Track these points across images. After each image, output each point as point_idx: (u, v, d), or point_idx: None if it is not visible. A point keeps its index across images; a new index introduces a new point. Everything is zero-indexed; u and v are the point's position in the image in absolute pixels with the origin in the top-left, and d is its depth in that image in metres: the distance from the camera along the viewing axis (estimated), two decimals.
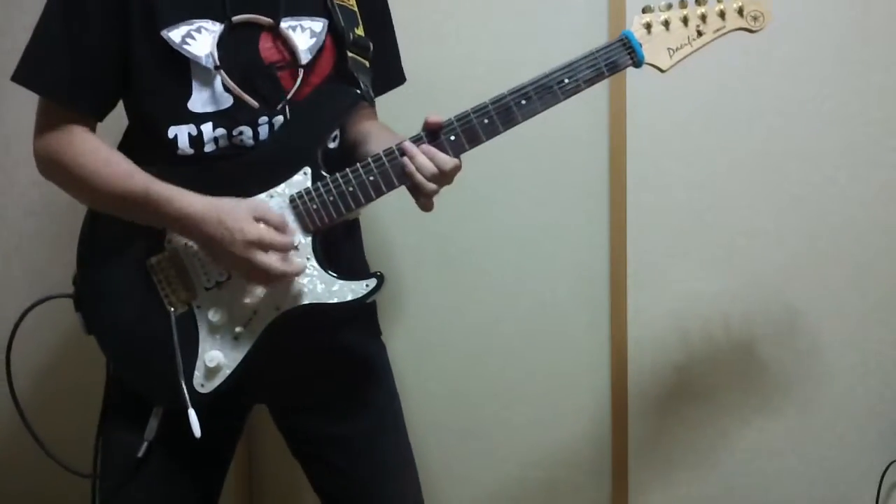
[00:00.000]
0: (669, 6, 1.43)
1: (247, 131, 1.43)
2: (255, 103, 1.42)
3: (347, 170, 1.41)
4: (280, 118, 1.44)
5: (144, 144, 1.45)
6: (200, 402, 1.43)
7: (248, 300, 1.43)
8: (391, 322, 2.17)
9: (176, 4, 1.40)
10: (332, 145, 1.52)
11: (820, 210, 2.06)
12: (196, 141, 1.41)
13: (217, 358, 1.42)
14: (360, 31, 1.52)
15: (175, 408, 1.42)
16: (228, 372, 1.43)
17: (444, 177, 1.40)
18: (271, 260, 1.36)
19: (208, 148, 1.42)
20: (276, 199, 1.41)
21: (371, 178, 1.40)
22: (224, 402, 1.46)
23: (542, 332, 2.20)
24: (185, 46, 1.39)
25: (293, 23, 1.46)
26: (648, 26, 1.43)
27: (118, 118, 1.50)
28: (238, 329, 1.43)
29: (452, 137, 1.40)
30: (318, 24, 1.48)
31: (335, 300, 1.42)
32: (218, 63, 1.40)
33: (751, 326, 2.11)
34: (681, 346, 2.14)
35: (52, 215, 2.24)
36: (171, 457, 1.49)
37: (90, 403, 1.58)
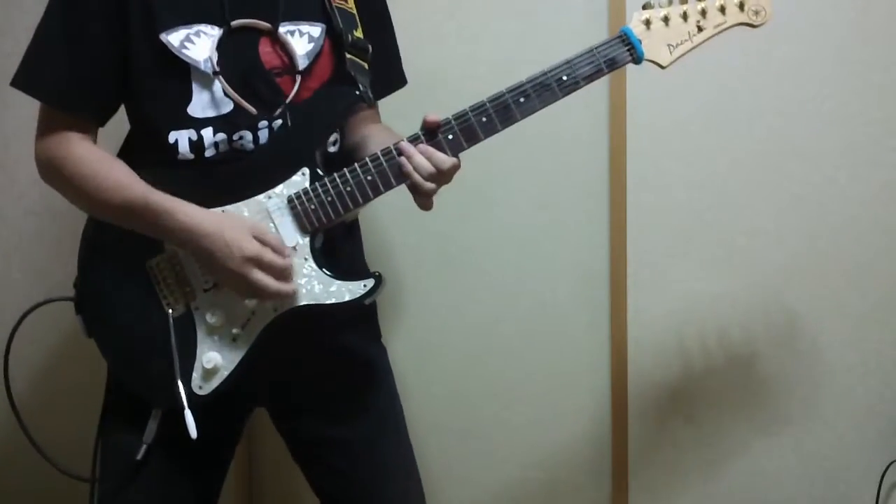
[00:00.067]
0: (669, 2, 1.42)
1: (247, 135, 1.43)
2: (253, 110, 1.42)
3: (345, 170, 1.41)
4: (280, 122, 1.44)
5: (145, 148, 1.45)
6: (198, 403, 1.43)
7: (245, 302, 1.43)
8: (391, 322, 2.17)
9: (175, 8, 1.40)
10: (332, 149, 1.52)
11: (820, 210, 2.05)
12: (196, 146, 1.42)
13: (215, 359, 1.42)
14: (358, 33, 1.52)
15: (173, 409, 1.42)
16: (226, 373, 1.43)
17: (442, 176, 1.40)
18: (266, 279, 1.37)
19: (209, 152, 1.42)
20: (275, 200, 1.42)
21: (369, 177, 1.40)
22: (224, 406, 1.46)
23: (542, 332, 2.20)
24: (184, 51, 1.39)
25: (291, 27, 1.46)
26: (648, 22, 1.42)
27: (119, 122, 1.50)
28: (235, 330, 1.43)
29: (450, 136, 1.40)
30: (317, 29, 1.48)
31: (333, 301, 1.42)
32: (217, 68, 1.40)
33: (751, 326, 2.11)
34: (681, 346, 2.14)
35: (52, 215, 2.25)
36: (170, 459, 1.49)
37: (90, 406, 1.58)
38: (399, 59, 1.68)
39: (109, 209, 1.41)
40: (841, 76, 2.02)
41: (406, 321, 2.22)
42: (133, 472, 1.48)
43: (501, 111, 1.39)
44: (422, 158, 1.38)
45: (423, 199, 1.42)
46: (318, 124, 1.45)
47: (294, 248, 1.42)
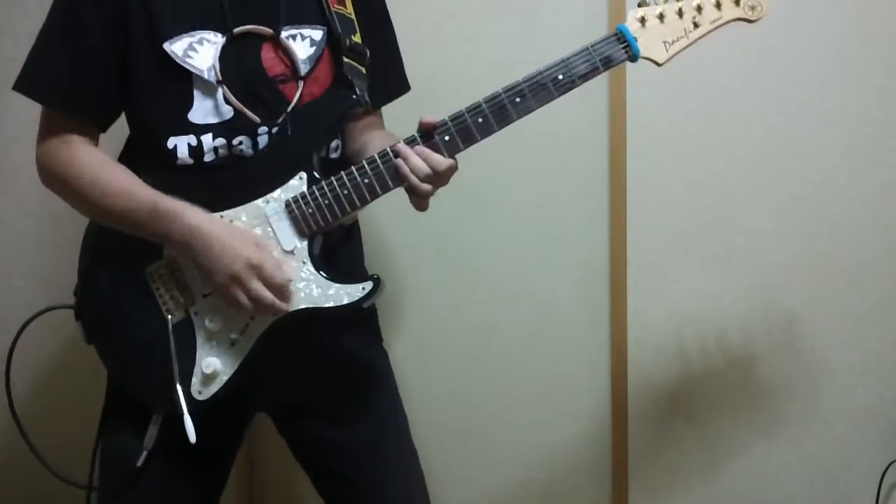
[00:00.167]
0: None
1: (246, 141, 1.44)
2: (256, 119, 1.42)
3: (342, 173, 1.41)
4: (279, 128, 1.44)
5: (144, 153, 1.45)
6: (198, 408, 1.43)
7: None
8: (391, 323, 2.17)
9: (177, 16, 1.40)
10: (334, 155, 1.53)
11: (820, 210, 2.05)
12: (196, 151, 1.42)
13: (214, 364, 1.42)
14: (356, 38, 1.52)
15: (173, 415, 1.42)
16: (225, 378, 1.43)
17: (438, 177, 1.40)
18: (264, 290, 1.37)
19: (208, 158, 1.43)
20: (273, 204, 1.42)
21: (366, 180, 1.41)
22: (224, 410, 1.46)
23: (542, 332, 2.20)
24: (188, 60, 1.40)
25: (293, 31, 1.47)
26: (643, 20, 1.41)
27: (120, 128, 1.51)
28: (234, 335, 1.43)
29: (447, 137, 1.40)
30: (318, 33, 1.49)
31: (331, 304, 1.42)
32: (220, 77, 1.40)
33: (751, 327, 2.10)
34: (681, 346, 2.14)
35: (53, 219, 2.25)
36: (170, 464, 1.50)
37: (90, 412, 1.58)
38: (401, 64, 1.67)
39: (112, 213, 1.41)
40: (841, 76, 2.01)
41: (406, 322, 2.23)
42: (133, 477, 1.48)
43: (497, 111, 1.39)
44: (418, 160, 1.38)
45: (420, 201, 1.42)
46: (316, 129, 1.45)
47: (292, 251, 1.42)
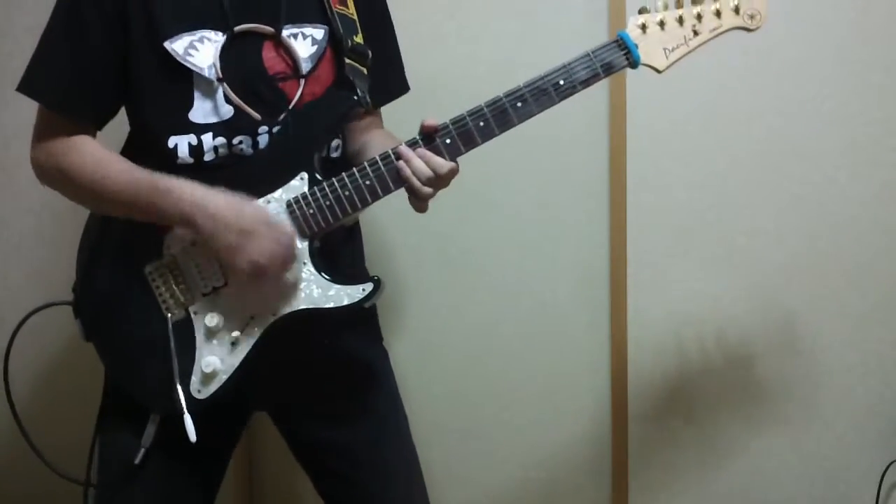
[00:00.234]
0: (665, 6, 1.42)
1: (246, 140, 1.43)
2: (257, 116, 1.42)
3: (344, 174, 1.41)
4: (279, 127, 1.44)
5: (144, 152, 1.45)
6: (197, 407, 1.43)
7: (244, 305, 1.43)
8: (392, 323, 2.17)
9: (177, 15, 1.40)
10: (335, 155, 1.52)
11: (820, 210, 2.05)
12: (196, 150, 1.42)
13: (213, 364, 1.42)
14: (358, 39, 1.52)
15: (172, 414, 1.42)
16: (225, 377, 1.43)
17: (439, 180, 1.40)
18: (274, 243, 1.36)
19: (208, 157, 1.42)
20: (274, 205, 1.42)
21: (367, 182, 1.41)
22: (224, 409, 1.46)
23: (542, 332, 2.20)
24: (188, 58, 1.39)
25: (294, 30, 1.46)
26: (644, 27, 1.42)
27: (119, 124, 1.51)
28: (235, 334, 1.43)
29: (448, 141, 1.40)
30: (320, 32, 1.49)
31: (331, 305, 1.42)
32: (220, 75, 1.40)
33: (751, 326, 2.11)
34: (681, 346, 2.14)
35: (52, 216, 2.25)
36: (168, 461, 1.50)
37: (89, 409, 1.58)
38: (401, 64, 1.67)
39: (114, 193, 1.40)
40: (841, 76, 2.01)
41: (406, 321, 2.23)
42: (131, 475, 1.48)
43: (499, 116, 1.39)
44: (420, 163, 1.38)
45: (420, 203, 1.42)
46: (317, 129, 1.45)
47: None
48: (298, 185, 1.42)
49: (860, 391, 2.09)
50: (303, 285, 1.42)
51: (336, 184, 1.41)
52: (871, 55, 2.00)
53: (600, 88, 2.06)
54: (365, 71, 1.51)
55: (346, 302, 1.42)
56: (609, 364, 2.17)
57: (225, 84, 1.41)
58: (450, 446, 2.25)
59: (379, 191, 1.41)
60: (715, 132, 2.07)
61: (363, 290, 1.42)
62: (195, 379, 1.43)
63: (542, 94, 1.40)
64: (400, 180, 1.40)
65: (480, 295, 2.21)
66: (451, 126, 1.40)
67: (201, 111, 1.42)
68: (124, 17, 1.39)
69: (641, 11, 1.43)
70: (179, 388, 1.42)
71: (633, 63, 1.42)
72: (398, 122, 1.64)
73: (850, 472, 2.12)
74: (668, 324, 2.14)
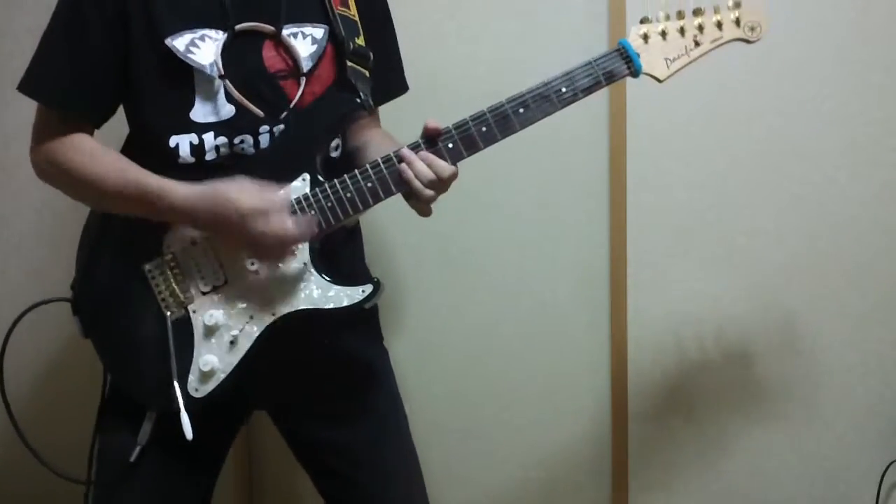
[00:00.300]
0: (667, 17, 1.44)
1: (248, 140, 1.43)
2: (259, 112, 1.42)
3: (346, 176, 1.41)
4: (281, 126, 1.44)
5: (145, 152, 1.45)
6: (194, 406, 1.43)
7: (244, 304, 1.43)
8: (392, 323, 2.17)
9: (178, 13, 1.40)
10: (334, 154, 1.52)
11: (820, 210, 2.05)
12: (197, 150, 1.42)
13: (211, 362, 1.42)
14: (360, 41, 1.52)
15: (169, 412, 1.42)
16: (223, 377, 1.43)
17: (441, 184, 1.40)
18: (280, 221, 1.35)
19: (209, 156, 1.42)
20: None
21: (369, 184, 1.41)
22: (222, 408, 1.46)
23: (542, 332, 2.20)
24: (190, 55, 1.39)
25: (295, 30, 1.46)
26: (646, 37, 1.43)
27: (119, 123, 1.51)
28: (234, 333, 1.43)
29: (450, 145, 1.40)
30: (320, 31, 1.49)
31: (331, 305, 1.42)
32: (222, 72, 1.40)
33: (751, 326, 2.11)
34: (681, 345, 2.14)
35: (52, 214, 2.25)
36: (165, 459, 1.50)
37: (87, 407, 1.58)
38: (401, 65, 1.68)
39: (112, 193, 1.40)
40: (841, 76, 2.02)
41: (407, 321, 2.23)
42: (128, 473, 1.48)
43: (501, 121, 1.40)
44: (423, 165, 1.38)
45: (422, 206, 1.42)
46: (318, 130, 1.45)
47: (294, 252, 1.42)
48: (300, 185, 1.42)
49: (860, 391, 2.09)
50: (302, 286, 1.42)
51: (337, 185, 1.41)
52: (871, 55, 2.00)
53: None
54: (367, 73, 1.51)
55: (345, 303, 1.42)
56: (609, 364, 2.18)
57: (227, 81, 1.41)
58: (450, 446, 2.25)
59: (381, 193, 1.41)
60: (715, 132, 2.07)
61: (363, 291, 1.42)
62: (193, 377, 1.43)
63: (545, 100, 1.41)
64: (402, 183, 1.40)
65: (480, 295, 2.21)
66: (453, 131, 1.40)
67: (202, 110, 1.42)
68: (125, 16, 1.39)
69: (643, 21, 1.44)
70: (177, 386, 1.42)
71: (635, 72, 1.44)
72: (398, 122, 1.64)
73: (850, 472, 2.12)
74: (668, 323, 2.14)
